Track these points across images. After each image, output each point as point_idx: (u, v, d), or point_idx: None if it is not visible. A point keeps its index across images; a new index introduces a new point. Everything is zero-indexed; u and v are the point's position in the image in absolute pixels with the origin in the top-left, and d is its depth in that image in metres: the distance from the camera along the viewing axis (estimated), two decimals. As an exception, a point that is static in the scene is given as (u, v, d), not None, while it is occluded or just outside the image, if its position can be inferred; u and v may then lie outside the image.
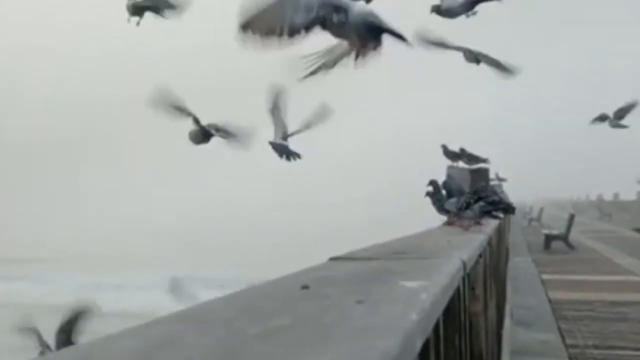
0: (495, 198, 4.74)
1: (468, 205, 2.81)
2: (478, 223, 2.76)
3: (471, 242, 1.49)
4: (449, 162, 5.28)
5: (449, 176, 5.09)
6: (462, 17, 3.13)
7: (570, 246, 13.80)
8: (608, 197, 40.97)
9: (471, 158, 5.20)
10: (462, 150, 5.29)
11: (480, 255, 1.60)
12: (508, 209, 3.52)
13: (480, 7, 3.08)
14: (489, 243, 2.53)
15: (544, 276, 9.44)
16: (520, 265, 11.09)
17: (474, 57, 4.79)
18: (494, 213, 3.03)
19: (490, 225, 2.97)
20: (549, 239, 14.19)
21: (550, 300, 7.28)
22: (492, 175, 13.50)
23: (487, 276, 2.20)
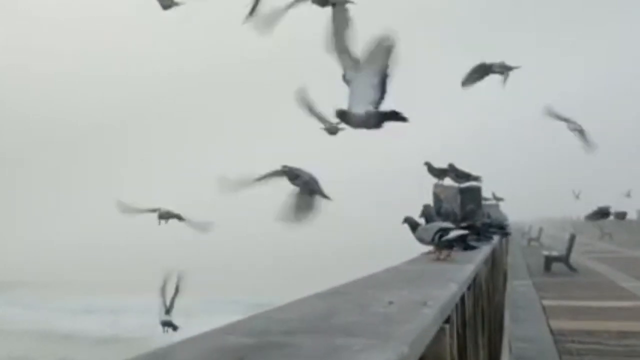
0: (486, 221, 4.16)
1: (442, 235, 2.24)
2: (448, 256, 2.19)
3: (431, 304, 0.92)
4: (434, 181, 4.69)
5: (435, 195, 4.51)
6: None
7: (571, 268, 13.16)
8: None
9: (460, 175, 4.60)
10: (451, 166, 4.70)
11: (447, 321, 1.03)
12: (480, 235, 2.95)
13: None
14: (475, 282, 1.94)
15: (545, 302, 8.80)
16: (520, 289, 10.46)
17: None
18: (470, 243, 2.45)
19: (478, 256, 2.39)
20: (549, 260, 13.56)
21: (552, 331, 6.65)
22: (488, 194, 12.95)
23: (471, 332, 1.63)
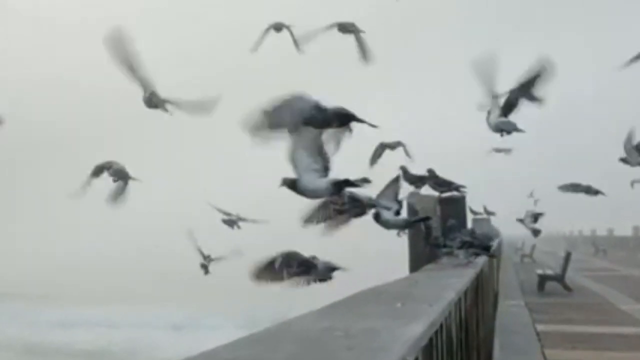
0: (466, 239, 3.37)
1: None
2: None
3: None
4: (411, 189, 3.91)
5: (409, 206, 3.73)
6: None
7: (567, 288, 12.39)
8: (602, 232, 39.77)
9: (441, 183, 3.82)
10: (430, 172, 3.92)
11: None
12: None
13: None
14: (440, 334, 1.18)
15: (539, 327, 8.00)
16: (512, 310, 9.67)
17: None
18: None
19: (448, 293, 1.61)
20: (543, 279, 12.78)
21: (548, 364, 5.86)
22: (479, 207, 12.19)
23: None
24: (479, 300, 3.35)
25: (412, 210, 3.70)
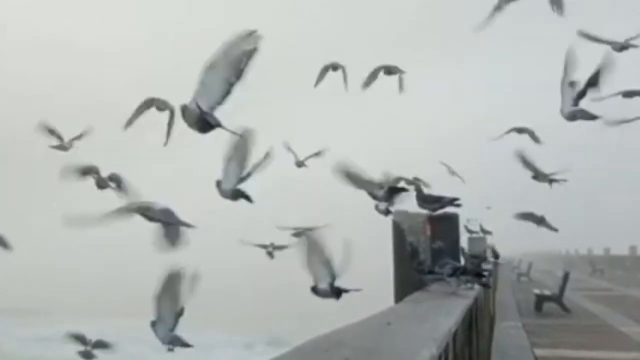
0: (457, 265, 3.01)
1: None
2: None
3: None
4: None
5: (394, 225, 3.39)
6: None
7: (565, 308, 12.04)
8: (599, 251, 39.50)
9: (428, 200, 3.45)
10: (415, 188, 3.57)
11: None
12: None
13: None
14: None
15: (538, 351, 7.63)
16: (509, 332, 9.30)
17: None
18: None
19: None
20: (540, 300, 12.43)
21: (548, 393, 5.49)
22: (475, 226, 11.87)
23: None
24: (473, 336, 3.00)
25: (398, 229, 3.36)
